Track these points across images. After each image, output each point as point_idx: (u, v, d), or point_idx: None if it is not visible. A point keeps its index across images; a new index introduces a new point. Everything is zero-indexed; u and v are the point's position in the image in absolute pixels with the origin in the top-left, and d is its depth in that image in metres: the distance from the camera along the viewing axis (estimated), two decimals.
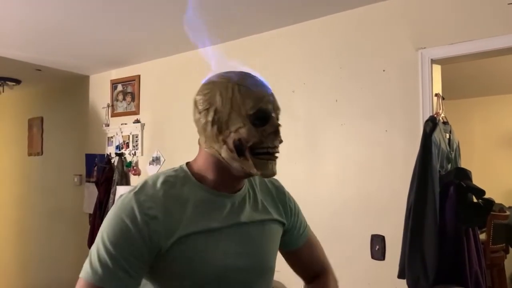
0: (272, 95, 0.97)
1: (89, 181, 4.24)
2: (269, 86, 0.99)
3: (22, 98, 5.21)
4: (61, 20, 2.89)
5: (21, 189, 5.20)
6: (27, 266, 5.05)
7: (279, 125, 0.96)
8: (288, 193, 1.19)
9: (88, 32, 3.12)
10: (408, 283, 2.07)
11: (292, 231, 1.17)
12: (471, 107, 5.49)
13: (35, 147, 5.01)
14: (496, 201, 3.76)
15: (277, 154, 0.96)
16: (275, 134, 0.94)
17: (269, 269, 1.08)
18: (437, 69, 2.42)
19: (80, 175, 4.39)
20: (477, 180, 2.17)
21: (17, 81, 4.53)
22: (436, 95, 2.36)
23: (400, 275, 2.16)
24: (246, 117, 0.92)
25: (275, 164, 0.96)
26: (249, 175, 0.96)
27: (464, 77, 4.38)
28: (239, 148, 0.92)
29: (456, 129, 2.49)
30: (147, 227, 0.88)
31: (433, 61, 2.36)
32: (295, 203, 1.20)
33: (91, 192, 4.11)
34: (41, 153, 4.93)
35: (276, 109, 0.97)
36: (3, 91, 4.50)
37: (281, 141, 0.96)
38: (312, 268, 1.24)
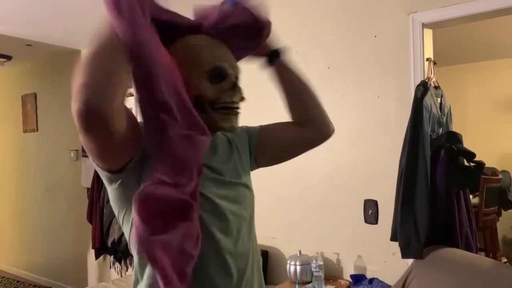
0: (228, 54, 1.03)
1: (85, 156, 4.25)
2: (224, 47, 1.04)
3: (14, 74, 5.16)
4: None
5: (18, 166, 5.22)
6: (27, 242, 5.12)
7: (236, 81, 1.02)
8: (243, 128, 1.21)
9: (77, 5, 3.07)
10: (400, 245, 2.12)
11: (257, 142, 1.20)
12: (465, 73, 5.48)
13: (30, 123, 5.00)
14: (490, 165, 3.84)
15: (238, 110, 1.03)
16: (232, 89, 1.01)
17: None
18: (428, 34, 2.41)
19: (77, 150, 4.40)
20: (471, 144, 2.19)
21: (8, 57, 4.48)
22: (428, 59, 2.36)
23: (393, 238, 2.21)
24: (203, 74, 0.98)
25: (235, 118, 1.03)
26: (213, 129, 1.00)
27: (459, 43, 4.36)
28: (199, 104, 0.97)
29: (451, 94, 2.50)
30: None
31: (424, 25, 2.35)
32: (248, 130, 1.21)
33: (88, 166, 4.13)
34: (36, 129, 4.93)
35: (234, 67, 1.03)
36: None
37: (242, 98, 1.04)
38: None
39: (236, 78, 1.04)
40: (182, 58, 0.98)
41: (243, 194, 1.10)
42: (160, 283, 0.83)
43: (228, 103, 1.00)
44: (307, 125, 1.22)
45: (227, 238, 1.02)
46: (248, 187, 1.13)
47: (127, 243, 1.04)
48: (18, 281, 5.03)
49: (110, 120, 0.79)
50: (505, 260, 4.26)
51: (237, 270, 1.03)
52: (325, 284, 2.49)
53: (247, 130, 1.21)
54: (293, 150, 1.27)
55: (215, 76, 0.99)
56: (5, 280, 5.10)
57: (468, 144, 2.20)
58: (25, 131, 5.07)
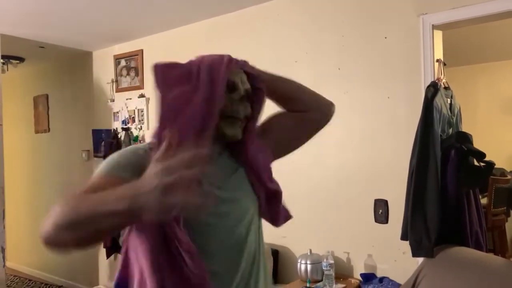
0: (241, 72, 1.12)
1: (97, 156, 4.31)
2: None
3: (26, 76, 5.24)
4: None
5: (30, 167, 5.29)
6: (39, 241, 5.17)
7: (244, 94, 1.11)
8: None
9: (90, 8, 3.13)
10: (411, 244, 2.14)
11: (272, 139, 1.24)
12: (474, 73, 5.48)
13: (41, 124, 5.07)
14: (498, 166, 3.84)
15: (242, 120, 1.11)
16: (240, 101, 1.10)
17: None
18: (438, 35, 2.43)
19: (88, 151, 4.46)
20: (480, 145, 2.21)
21: (21, 59, 4.56)
22: (438, 60, 2.38)
23: (403, 237, 2.23)
24: None
25: (238, 127, 1.10)
26: (217, 136, 1.08)
27: (468, 44, 4.37)
28: None
29: (460, 95, 2.52)
30: (146, 154, 1.00)
31: (435, 27, 2.37)
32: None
33: None
34: (48, 130, 5.00)
35: (244, 83, 1.12)
36: (7, 70, 4.53)
37: (247, 111, 1.11)
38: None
39: (246, 91, 1.12)
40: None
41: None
42: None
43: (234, 113, 1.08)
44: (306, 112, 1.26)
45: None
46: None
47: None
48: (30, 280, 5.10)
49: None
50: None
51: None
52: (336, 282, 2.51)
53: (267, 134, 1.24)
54: (299, 137, 1.30)
55: (227, 87, 1.07)
56: (17, 279, 5.17)
57: (477, 144, 2.22)
58: (37, 131, 5.14)
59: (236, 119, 1.09)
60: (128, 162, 1.00)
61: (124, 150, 1.06)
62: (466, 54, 4.86)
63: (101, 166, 1.00)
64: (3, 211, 3.66)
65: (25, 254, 5.37)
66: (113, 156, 1.02)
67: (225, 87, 1.05)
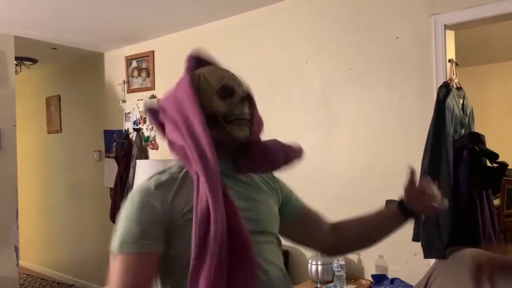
0: (233, 75, 1.15)
1: (108, 157, 4.35)
2: (229, 70, 1.16)
3: (39, 77, 5.30)
4: None
5: (42, 167, 5.35)
6: (51, 241, 5.24)
7: (243, 95, 1.12)
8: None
9: (101, 9, 3.16)
10: (422, 245, 2.14)
11: (288, 200, 1.32)
12: (486, 74, 5.43)
13: (54, 125, 5.12)
14: (511, 167, 3.80)
15: (248, 120, 1.11)
16: (242, 102, 1.11)
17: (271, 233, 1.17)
18: (450, 35, 2.42)
19: (99, 151, 4.50)
20: (491, 146, 2.20)
21: (34, 61, 4.61)
22: (450, 61, 2.37)
23: (415, 238, 2.22)
24: (214, 94, 1.09)
25: (246, 127, 1.11)
26: (228, 141, 1.09)
27: (480, 44, 4.33)
28: (213, 120, 1.06)
29: (471, 95, 2.50)
30: (164, 197, 1.02)
31: (447, 27, 2.36)
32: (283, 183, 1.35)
33: (111, 167, 4.22)
34: (60, 130, 5.05)
35: (240, 84, 1.13)
36: (20, 71, 4.58)
37: (250, 109, 1.13)
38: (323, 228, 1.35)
39: (243, 92, 1.13)
40: (196, 86, 1.10)
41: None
42: None
43: (239, 115, 1.09)
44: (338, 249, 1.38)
45: None
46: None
47: None
48: (42, 279, 5.15)
49: None
50: None
51: None
52: (347, 283, 2.51)
53: (283, 184, 1.34)
54: (300, 243, 1.40)
55: (225, 93, 1.09)
56: (29, 277, 5.23)
57: (487, 144, 2.21)
58: (49, 132, 5.19)
59: (242, 120, 1.10)
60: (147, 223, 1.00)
61: (132, 205, 1.03)
62: (477, 54, 4.82)
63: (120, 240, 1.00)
64: (16, 210, 3.71)
65: (37, 253, 5.43)
66: (129, 225, 1.00)
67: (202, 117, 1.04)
